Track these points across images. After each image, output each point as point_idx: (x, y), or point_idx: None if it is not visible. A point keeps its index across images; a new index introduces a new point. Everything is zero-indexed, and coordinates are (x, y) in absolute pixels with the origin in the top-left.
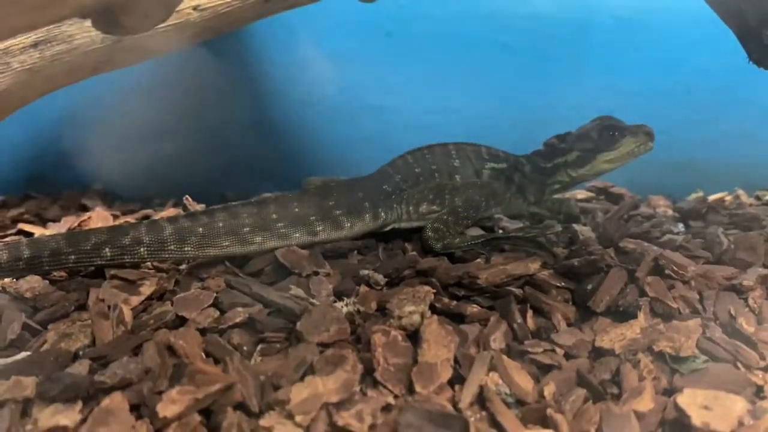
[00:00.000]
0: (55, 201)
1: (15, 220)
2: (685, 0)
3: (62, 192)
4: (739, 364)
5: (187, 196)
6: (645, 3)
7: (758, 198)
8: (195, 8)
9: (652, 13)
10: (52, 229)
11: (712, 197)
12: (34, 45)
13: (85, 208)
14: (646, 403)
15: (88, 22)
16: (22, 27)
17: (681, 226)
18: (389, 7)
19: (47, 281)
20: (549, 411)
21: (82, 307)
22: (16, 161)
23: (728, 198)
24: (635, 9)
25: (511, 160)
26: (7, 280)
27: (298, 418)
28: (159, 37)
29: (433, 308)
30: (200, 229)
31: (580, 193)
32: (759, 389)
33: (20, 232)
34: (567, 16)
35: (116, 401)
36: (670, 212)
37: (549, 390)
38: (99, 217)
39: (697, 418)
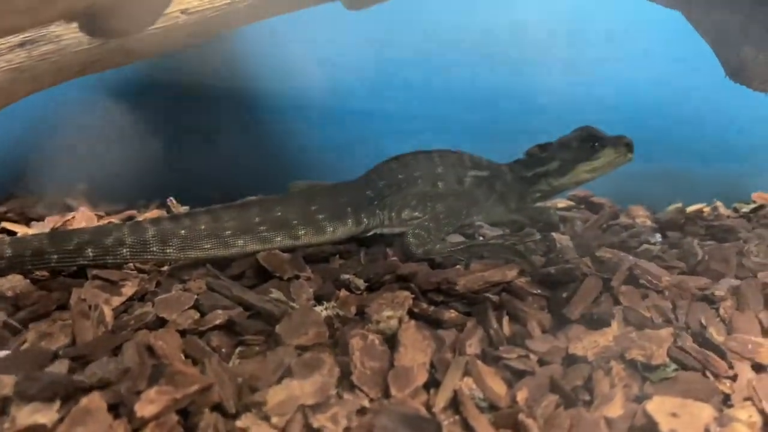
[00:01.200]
0: (38, 200)
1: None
2: (670, 16)
3: (46, 191)
4: (708, 373)
5: (171, 198)
6: (632, 17)
7: (736, 210)
8: (183, 11)
9: (638, 28)
10: (36, 228)
11: (690, 208)
12: (21, 44)
13: (69, 208)
14: (616, 409)
15: (75, 23)
16: (9, 29)
17: (658, 237)
18: (376, 15)
19: (29, 280)
20: (521, 416)
21: (64, 306)
22: None
23: (706, 209)
24: (623, 22)
25: (494, 168)
26: None
27: (274, 420)
28: (147, 40)
29: (411, 313)
30: (182, 231)
31: (561, 202)
32: (726, 397)
33: (3, 230)
34: (555, 28)
35: (94, 401)
36: (648, 222)
37: (522, 395)
38: (83, 217)
39: (665, 425)
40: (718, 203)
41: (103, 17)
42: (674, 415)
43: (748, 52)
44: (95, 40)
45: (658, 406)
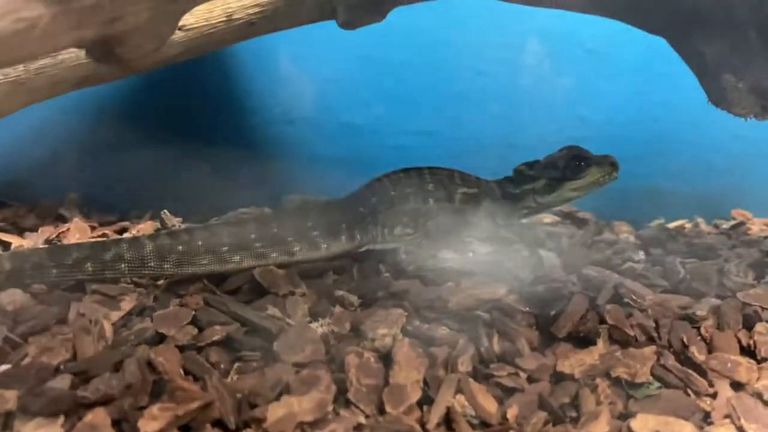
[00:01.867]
0: (31, 210)
1: None
2: (652, 37)
3: (39, 201)
4: (690, 391)
5: (165, 210)
6: (614, 37)
7: (716, 226)
8: (180, 28)
9: (621, 46)
10: (30, 239)
11: (672, 224)
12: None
13: (62, 219)
14: (602, 426)
15: None
16: (23, 57)
17: (642, 254)
18: (368, 32)
19: (28, 294)
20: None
21: (63, 320)
22: None
23: (688, 225)
24: (604, 42)
25: (482, 185)
26: None
27: None
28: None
29: (404, 331)
30: (180, 247)
31: (547, 218)
32: (707, 415)
33: None
34: (539, 48)
35: (99, 416)
36: (632, 239)
37: (512, 412)
38: (77, 228)
39: None
40: (699, 219)
41: (111, 46)
42: None
43: (729, 80)
44: None
45: (642, 424)
